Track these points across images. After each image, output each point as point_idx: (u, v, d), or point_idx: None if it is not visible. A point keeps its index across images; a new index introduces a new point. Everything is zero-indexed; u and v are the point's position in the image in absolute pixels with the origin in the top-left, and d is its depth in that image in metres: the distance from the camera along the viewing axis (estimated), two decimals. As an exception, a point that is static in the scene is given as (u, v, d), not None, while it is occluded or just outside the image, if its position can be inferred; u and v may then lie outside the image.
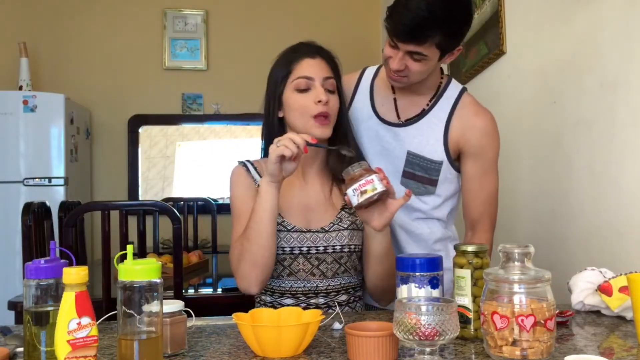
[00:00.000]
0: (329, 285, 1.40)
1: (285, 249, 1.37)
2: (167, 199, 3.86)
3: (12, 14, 4.36)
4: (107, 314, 1.12)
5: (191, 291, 2.31)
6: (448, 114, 1.52)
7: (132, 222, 1.98)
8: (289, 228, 1.38)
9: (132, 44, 4.49)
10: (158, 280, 0.91)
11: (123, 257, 0.93)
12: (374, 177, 1.18)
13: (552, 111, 1.98)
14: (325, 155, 1.47)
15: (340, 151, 1.34)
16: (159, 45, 4.54)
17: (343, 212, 1.43)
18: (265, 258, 1.32)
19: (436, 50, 1.37)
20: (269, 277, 1.35)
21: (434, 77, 1.54)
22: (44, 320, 0.94)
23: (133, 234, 2.00)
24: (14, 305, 1.99)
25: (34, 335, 0.94)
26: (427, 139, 1.52)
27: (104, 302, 1.85)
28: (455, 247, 1.13)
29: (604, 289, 1.24)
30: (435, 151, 1.51)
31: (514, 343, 0.92)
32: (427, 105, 1.54)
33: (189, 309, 1.10)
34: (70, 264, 0.96)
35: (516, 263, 0.97)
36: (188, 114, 4.53)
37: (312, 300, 1.38)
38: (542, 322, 0.92)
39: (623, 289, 1.20)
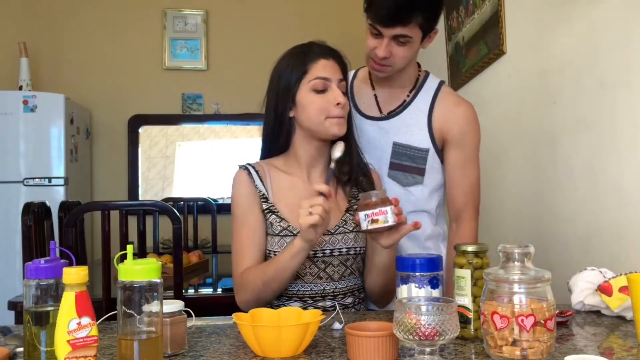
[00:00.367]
0: (335, 288, 1.40)
1: None
2: (167, 199, 3.86)
3: (12, 14, 4.37)
4: (107, 314, 1.12)
5: (191, 291, 2.30)
6: (429, 105, 1.56)
7: (132, 222, 1.97)
8: (294, 232, 1.37)
9: (132, 44, 4.49)
10: (158, 280, 0.91)
11: (123, 257, 0.93)
12: (388, 209, 1.19)
13: (552, 111, 1.98)
14: (328, 159, 1.46)
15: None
16: (159, 45, 4.54)
17: (347, 215, 1.43)
18: (272, 298, 1.36)
19: (419, 31, 1.44)
20: None
21: (412, 70, 1.58)
22: (44, 320, 0.94)
23: (133, 234, 2.00)
24: (14, 305, 1.99)
25: (34, 335, 0.94)
26: (411, 128, 1.55)
27: (104, 302, 1.85)
28: (455, 247, 1.13)
29: (604, 289, 1.24)
30: (421, 139, 1.55)
31: (514, 343, 0.92)
32: (408, 96, 1.58)
33: (189, 309, 1.10)
34: (70, 264, 0.96)
35: (516, 263, 0.98)
36: (188, 114, 4.53)
37: (320, 304, 1.38)
38: (542, 322, 0.92)
39: (623, 289, 1.20)
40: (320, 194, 1.23)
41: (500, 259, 1.00)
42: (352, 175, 1.45)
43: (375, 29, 1.43)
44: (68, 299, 0.85)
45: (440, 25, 3.09)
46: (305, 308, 1.36)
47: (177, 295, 1.87)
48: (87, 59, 4.43)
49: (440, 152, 1.57)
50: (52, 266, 0.95)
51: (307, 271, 1.38)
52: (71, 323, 0.85)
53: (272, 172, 1.44)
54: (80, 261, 2.33)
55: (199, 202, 3.77)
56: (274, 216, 1.39)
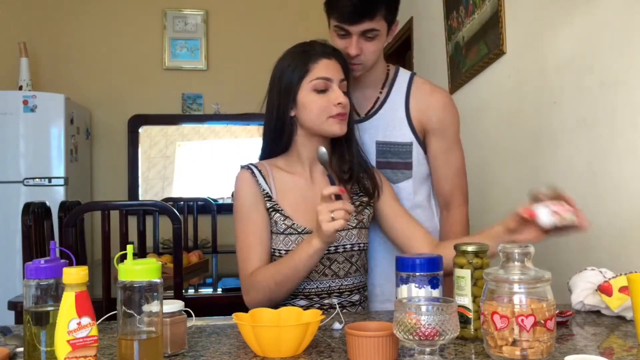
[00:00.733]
0: (341, 285, 1.40)
1: None
2: (167, 199, 3.85)
3: (12, 14, 4.37)
4: (107, 314, 1.12)
5: (191, 291, 2.30)
6: (405, 97, 1.57)
7: (132, 222, 1.98)
8: (299, 230, 1.38)
9: (132, 44, 4.49)
10: (158, 280, 0.91)
11: (123, 257, 0.93)
12: (570, 208, 1.17)
13: (552, 111, 1.99)
14: (332, 155, 1.46)
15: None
16: (159, 45, 4.54)
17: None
18: (284, 297, 1.35)
19: (384, 23, 1.45)
20: None
21: (381, 66, 1.59)
22: (44, 320, 0.94)
23: (133, 234, 2.00)
24: (14, 305, 1.99)
25: (34, 335, 0.94)
26: (392, 124, 1.56)
27: (104, 302, 1.85)
28: (456, 247, 1.13)
29: (604, 289, 1.24)
30: (402, 134, 1.56)
31: (514, 343, 0.92)
32: (381, 93, 1.59)
33: (189, 309, 1.10)
34: (70, 264, 0.96)
35: (516, 263, 0.97)
36: (188, 114, 4.54)
37: (326, 301, 1.38)
38: (542, 322, 0.92)
39: (623, 289, 1.20)
40: (336, 196, 1.21)
41: (500, 259, 1.00)
42: (353, 173, 1.45)
43: (342, 29, 1.44)
44: (68, 299, 0.85)
45: (440, 25, 3.10)
46: (311, 306, 1.37)
47: (177, 295, 1.87)
48: (87, 59, 4.43)
49: (423, 143, 1.58)
50: (52, 266, 0.95)
51: (313, 269, 1.37)
52: (71, 323, 0.85)
53: (274, 171, 1.44)
54: (80, 261, 2.33)
55: (199, 202, 3.77)
56: (278, 214, 1.39)
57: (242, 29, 4.55)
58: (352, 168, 1.45)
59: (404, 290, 1.10)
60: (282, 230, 1.38)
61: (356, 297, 1.42)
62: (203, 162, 4.53)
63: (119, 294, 0.90)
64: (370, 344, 0.95)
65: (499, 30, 2.39)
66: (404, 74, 1.62)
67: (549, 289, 0.96)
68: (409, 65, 3.83)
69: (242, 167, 1.46)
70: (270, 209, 1.40)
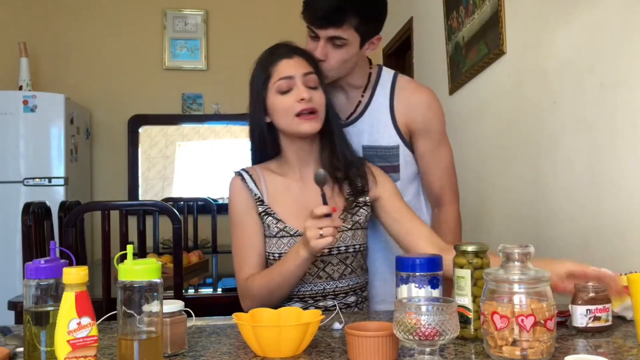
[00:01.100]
0: (336, 287, 1.40)
1: None
2: (167, 199, 3.85)
3: (12, 14, 4.37)
4: (107, 314, 1.12)
5: (191, 291, 2.31)
6: (389, 99, 1.56)
7: (132, 222, 1.97)
8: (292, 233, 1.38)
9: (132, 44, 4.49)
10: (158, 280, 0.91)
11: (123, 257, 0.93)
12: (609, 305, 1.14)
13: (552, 111, 1.98)
14: (319, 156, 1.45)
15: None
16: (159, 45, 4.54)
17: (345, 213, 1.42)
18: (278, 303, 1.35)
19: (355, 34, 1.43)
20: None
21: (360, 71, 1.57)
22: (44, 320, 0.94)
23: (133, 234, 2.00)
24: (14, 305, 1.99)
25: (34, 335, 0.94)
26: (377, 128, 1.55)
27: (104, 302, 1.85)
28: (455, 247, 1.13)
29: (604, 289, 1.23)
30: (389, 137, 1.55)
31: (514, 343, 0.92)
32: (362, 96, 1.58)
33: (189, 309, 1.10)
34: (70, 264, 0.96)
35: (516, 263, 0.97)
36: (188, 114, 4.54)
37: (321, 303, 1.38)
38: (542, 322, 0.92)
39: (623, 288, 1.20)
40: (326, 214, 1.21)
41: (500, 259, 1.00)
42: (345, 171, 1.43)
43: (312, 31, 1.44)
44: (68, 299, 0.85)
45: (440, 25, 3.10)
46: (306, 308, 1.36)
47: (177, 295, 1.87)
48: (87, 59, 4.43)
49: (410, 144, 1.57)
50: (52, 266, 0.95)
51: (307, 271, 1.37)
52: (71, 323, 0.85)
53: (266, 175, 1.44)
54: (80, 261, 2.33)
55: (199, 202, 3.77)
56: (270, 218, 1.39)
57: (242, 29, 4.55)
58: (344, 165, 1.43)
59: (404, 290, 1.09)
60: (274, 234, 1.38)
61: (352, 299, 1.42)
62: (203, 162, 4.53)
63: (119, 294, 0.90)
64: (370, 344, 0.95)
65: (499, 30, 2.39)
66: (387, 74, 1.60)
67: (549, 289, 0.96)
68: (409, 65, 3.83)
69: (235, 173, 1.46)
70: (263, 213, 1.40)
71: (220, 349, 1.06)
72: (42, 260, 0.96)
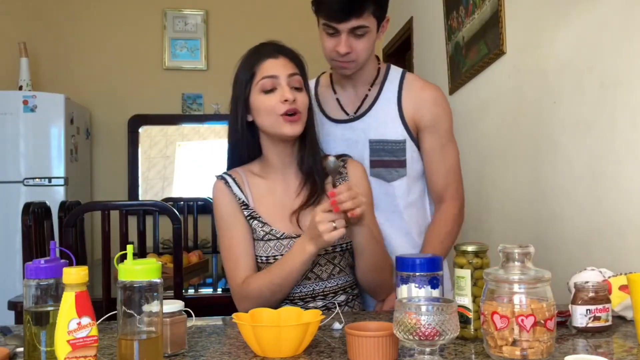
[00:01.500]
0: (325, 287, 1.39)
1: (277, 257, 1.36)
2: (167, 199, 3.85)
3: (12, 14, 4.37)
4: (107, 314, 1.12)
5: (191, 291, 2.31)
6: (397, 95, 1.56)
7: (132, 222, 1.98)
8: (278, 236, 1.37)
9: (132, 44, 4.49)
10: (158, 280, 0.91)
11: (123, 257, 0.93)
12: (609, 305, 1.15)
13: (552, 111, 1.98)
14: (300, 155, 1.43)
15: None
16: (159, 45, 4.54)
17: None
18: (276, 304, 1.34)
19: (374, 20, 1.44)
20: None
21: (372, 64, 1.58)
22: (44, 320, 0.94)
23: (133, 234, 2.00)
24: (14, 305, 1.99)
25: (34, 335, 0.94)
26: (384, 122, 1.55)
27: (104, 302, 1.85)
28: (455, 247, 1.13)
29: (604, 289, 1.23)
30: (395, 131, 1.54)
31: (514, 343, 0.92)
32: (369, 90, 1.58)
33: (189, 309, 1.10)
34: (70, 264, 0.96)
35: (516, 263, 0.97)
36: (188, 114, 4.53)
37: (311, 305, 1.38)
38: (542, 322, 0.92)
39: (623, 288, 1.20)
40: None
41: (500, 259, 1.00)
42: (316, 172, 1.42)
43: (331, 27, 1.43)
44: (68, 299, 0.85)
45: (440, 25, 3.10)
46: None
47: (177, 295, 1.87)
48: (87, 59, 4.43)
49: (416, 140, 1.57)
50: (52, 266, 0.95)
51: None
52: (71, 323, 0.85)
53: (249, 178, 1.44)
54: (80, 261, 2.33)
55: (199, 202, 3.77)
56: (256, 221, 1.39)
57: (242, 29, 4.55)
58: (314, 166, 1.42)
59: (404, 290, 1.09)
60: (261, 237, 1.38)
61: (342, 298, 1.41)
62: (203, 162, 4.52)
63: (119, 294, 0.90)
64: (370, 344, 0.95)
65: (499, 30, 2.39)
66: (395, 72, 1.61)
67: (549, 289, 0.96)
68: (409, 65, 3.83)
69: (217, 177, 1.46)
70: (248, 217, 1.40)
71: (220, 349, 1.06)
72: (42, 260, 0.96)
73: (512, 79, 2.34)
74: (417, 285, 1.08)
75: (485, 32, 2.55)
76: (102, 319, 1.10)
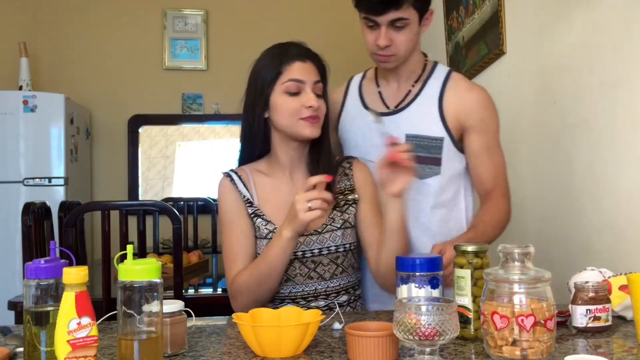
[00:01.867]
0: (327, 287, 1.39)
1: None
2: (167, 199, 3.85)
3: (12, 14, 4.36)
4: (107, 314, 1.12)
5: (191, 291, 2.31)
6: (439, 92, 1.54)
7: (132, 222, 1.97)
8: None
9: (132, 44, 4.49)
10: (158, 280, 0.91)
11: (123, 257, 0.93)
12: (609, 305, 1.15)
13: (552, 111, 1.99)
14: (309, 158, 1.45)
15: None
16: (159, 45, 4.54)
17: (335, 212, 1.41)
18: (269, 297, 1.35)
19: (414, 12, 1.43)
20: None
21: (417, 59, 1.56)
22: (44, 320, 0.94)
23: (133, 234, 2.00)
24: (14, 305, 1.99)
25: (34, 335, 0.94)
26: (422, 118, 1.53)
27: (104, 302, 1.85)
28: (455, 247, 1.13)
29: (604, 289, 1.23)
30: (433, 128, 1.52)
31: (514, 343, 0.92)
32: (413, 86, 1.56)
33: (189, 309, 1.10)
34: (70, 264, 0.96)
35: (516, 263, 0.97)
36: (188, 114, 4.53)
37: (313, 304, 1.38)
38: (542, 322, 0.92)
39: (623, 288, 1.20)
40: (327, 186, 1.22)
41: (500, 259, 1.00)
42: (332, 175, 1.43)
43: (370, 20, 1.42)
44: (68, 299, 0.85)
45: (440, 25, 3.10)
46: None
47: (177, 295, 1.87)
48: (87, 59, 4.43)
49: (457, 140, 1.53)
50: (52, 266, 0.95)
51: (297, 272, 1.37)
52: (71, 323, 0.85)
53: (255, 176, 1.44)
54: (80, 261, 2.33)
55: (199, 202, 3.77)
56: (260, 220, 1.39)
57: (242, 29, 4.55)
58: (330, 170, 1.42)
59: (404, 290, 1.10)
60: (264, 235, 1.38)
61: (344, 298, 1.41)
62: (203, 162, 4.52)
63: (119, 294, 0.90)
64: (370, 344, 0.95)
65: (499, 30, 2.39)
66: (441, 69, 1.58)
67: (549, 289, 0.96)
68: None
69: (223, 174, 1.46)
70: (252, 215, 1.40)
71: (220, 349, 1.06)
72: (42, 260, 0.96)
73: (512, 79, 2.34)
74: (417, 285, 1.08)
75: (485, 32, 2.55)
76: (102, 319, 1.10)
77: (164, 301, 0.97)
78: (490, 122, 1.56)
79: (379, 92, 1.60)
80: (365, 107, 1.60)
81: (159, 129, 4.52)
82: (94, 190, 4.44)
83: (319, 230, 1.39)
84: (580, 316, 1.14)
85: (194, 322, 1.19)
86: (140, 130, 4.48)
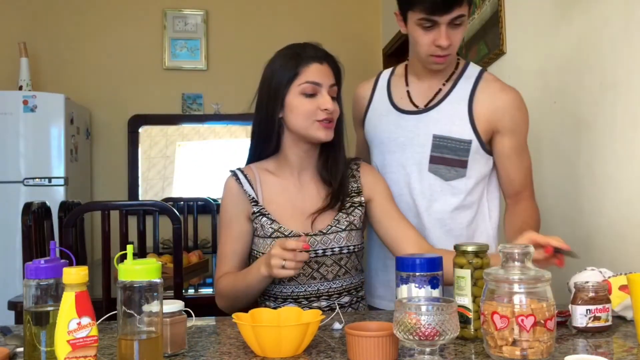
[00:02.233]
0: (330, 287, 1.40)
1: None
2: (167, 199, 3.85)
3: (12, 14, 4.36)
4: (107, 314, 1.12)
5: (191, 291, 2.31)
6: (470, 93, 1.51)
7: (132, 222, 1.97)
8: (286, 234, 1.38)
9: (132, 44, 4.49)
10: (158, 280, 0.91)
11: (123, 257, 0.93)
12: (609, 305, 1.15)
13: (552, 111, 1.98)
14: (318, 160, 1.46)
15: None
16: (159, 45, 4.54)
17: (340, 214, 1.42)
18: (248, 305, 1.37)
19: (467, 7, 1.41)
20: None
21: (453, 58, 1.53)
22: (44, 320, 0.94)
23: (133, 234, 2.00)
24: (14, 305, 1.99)
25: (34, 335, 0.94)
26: (451, 119, 1.50)
27: (104, 302, 1.85)
28: (455, 247, 1.13)
29: (604, 289, 1.23)
30: (462, 131, 1.49)
31: (514, 343, 0.92)
32: (443, 85, 1.53)
33: (189, 309, 1.10)
34: (70, 264, 0.96)
35: (516, 263, 0.98)
36: (188, 114, 4.53)
37: (315, 304, 1.38)
38: (542, 322, 0.92)
39: (623, 288, 1.20)
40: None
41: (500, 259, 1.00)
42: (342, 179, 1.44)
43: (429, 20, 1.39)
44: (68, 299, 0.85)
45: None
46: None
47: (177, 295, 1.87)
48: (87, 59, 4.43)
49: (485, 142, 1.51)
50: (52, 266, 0.95)
51: (300, 272, 1.37)
52: (71, 323, 0.85)
53: (262, 175, 1.45)
54: (80, 261, 2.33)
55: (199, 202, 3.77)
56: (265, 219, 1.40)
57: (242, 29, 4.55)
58: (337, 174, 1.43)
59: (404, 290, 1.09)
60: (269, 234, 1.39)
61: (346, 299, 1.42)
62: (203, 162, 4.52)
63: (119, 294, 0.90)
64: (370, 344, 0.95)
65: (499, 30, 2.39)
66: (473, 69, 1.55)
67: (549, 289, 0.96)
68: (409, 65, 3.82)
69: (230, 173, 1.47)
70: (257, 214, 1.40)
71: (220, 349, 1.06)
72: (42, 260, 0.96)
73: (512, 79, 2.34)
74: (417, 285, 1.08)
75: (485, 32, 2.55)
76: (102, 319, 1.10)
77: (164, 301, 0.97)
78: (522, 124, 1.54)
79: (407, 91, 1.57)
80: (393, 104, 1.58)
81: (159, 129, 4.52)
82: (94, 190, 4.44)
83: (324, 231, 1.39)
84: (580, 316, 1.14)
85: (194, 322, 1.19)
86: (140, 130, 4.48)
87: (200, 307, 1.36)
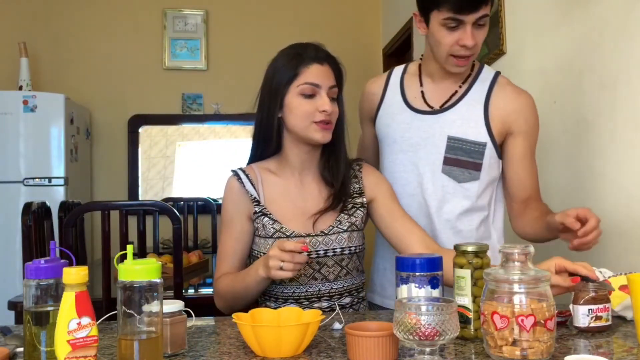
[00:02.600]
0: (331, 288, 1.39)
1: None
2: (167, 199, 3.86)
3: (12, 14, 4.36)
4: (107, 314, 1.12)
5: (191, 291, 2.31)
6: (485, 96, 1.51)
7: (132, 222, 1.97)
8: (288, 234, 1.38)
9: (132, 44, 4.49)
10: (158, 280, 0.91)
11: (123, 257, 0.93)
12: (609, 305, 1.15)
13: (552, 111, 1.99)
14: (320, 161, 1.46)
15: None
16: (159, 45, 4.54)
17: (342, 215, 1.42)
18: (246, 306, 1.37)
19: (490, 7, 1.41)
20: None
21: None
22: (44, 320, 0.94)
23: (133, 234, 2.00)
24: (14, 305, 1.99)
25: (34, 335, 0.94)
26: (467, 121, 1.50)
27: (104, 302, 1.85)
28: (455, 247, 1.12)
29: (604, 289, 1.23)
30: (478, 133, 1.49)
31: (514, 343, 0.92)
32: (460, 87, 1.53)
33: (189, 309, 1.10)
34: (70, 264, 0.96)
35: (516, 263, 0.97)
36: (188, 114, 4.53)
37: (316, 305, 1.38)
38: (542, 322, 0.92)
39: (623, 288, 1.20)
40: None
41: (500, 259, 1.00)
42: (344, 180, 1.44)
43: (455, 19, 1.38)
44: (68, 299, 0.85)
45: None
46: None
47: (177, 295, 1.87)
48: (87, 59, 4.43)
49: (498, 145, 1.51)
50: (52, 266, 0.95)
51: (302, 272, 1.37)
52: (71, 323, 0.85)
53: (264, 175, 1.45)
54: (80, 261, 2.33)
55: (199, 202, 3.78)
56: (266, 219, 1.39)
57: (242, 29, 4.55)
58: (339, 175, 1.43)
59: (404, 290, 1.09)
60: (270, 234, 1.39)
61: (347, 300, 1.42)
62: (203, 162, 4.52)
63: (119, 294, 0.90)
64: (370, 344, 0.95)
65: (499, 30, 2.39)
66: (488, 72, 1.55)
67: (549, 289, 0.96)
68: (409, 65, 3.82)
69: (232, 172, 1.47)
70: (259, 214, 1.40)
71: (220, 349, 1.06)
72: (42, 260, 0.96)
73: (512, 79, 2.33)
74: (417, 285, 1.08)
75: (485, 32, 2.55)
76: (102, 319, 1.10)
77: (164, 301, 0.97)
78: (535, 127, 1.53)
79: (422, 92, 1.57)
80: (407, 103, 1.57)
81: (159, 129, 4.52)
82: (94, 190, 4.44)
83: (325, 231, 1.39)
84: (583, 316, 1.14)
85: (194, 322, 1.19)
86: (140, 130, 4.48)
87: (200, 307, 1.36)
